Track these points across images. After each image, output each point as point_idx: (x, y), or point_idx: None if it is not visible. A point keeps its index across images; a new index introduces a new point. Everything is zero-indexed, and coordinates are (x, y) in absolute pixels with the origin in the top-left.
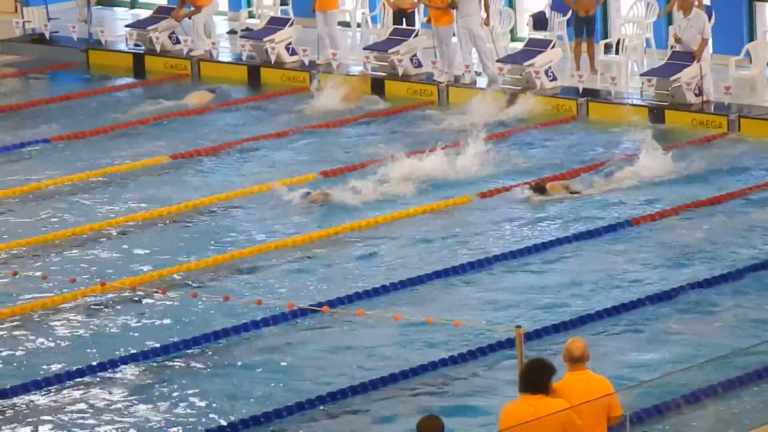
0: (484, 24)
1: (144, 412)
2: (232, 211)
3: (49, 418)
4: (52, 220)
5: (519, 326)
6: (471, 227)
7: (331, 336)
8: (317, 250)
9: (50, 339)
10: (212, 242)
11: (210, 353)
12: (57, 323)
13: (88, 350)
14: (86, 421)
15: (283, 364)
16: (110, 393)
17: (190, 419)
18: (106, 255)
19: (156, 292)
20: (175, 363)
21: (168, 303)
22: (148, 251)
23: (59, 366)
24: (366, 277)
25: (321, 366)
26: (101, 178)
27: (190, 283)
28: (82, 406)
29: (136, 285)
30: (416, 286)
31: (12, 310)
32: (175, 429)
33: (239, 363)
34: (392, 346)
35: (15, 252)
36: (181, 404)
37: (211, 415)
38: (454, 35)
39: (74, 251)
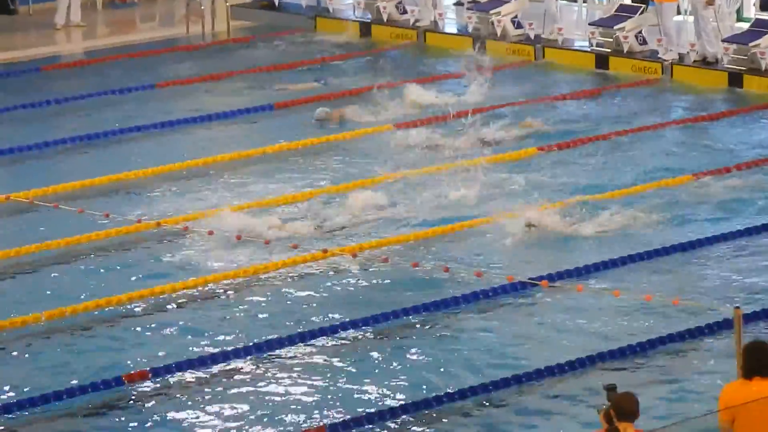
0: (708, 4)
1: (351, 381)
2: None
3: (259, 383)
4: (274, 185)
5: (738, 307)
6: (689, 206)
7: (549, 311)
8: (535, 223)
9: (270, 303)
10: (433, 211)
11: (426, 323)
12: (279, 288)
13: (306, 316)
14: (291, 388)
15: (499, 337)
16: (326, 359)
17: (399, 389)
18: (329, 222)
19: (378, 260)
20: (390, 332)
21: (389, 272)
22: (372, 216)
23: (274, 331)
24: (586, 251)
25: (537, 340)
26: (324, 145)
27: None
28: (289, 372)
29: (357, 253)
30: (636, 263)
31: (235, 272)
32: (383, 399)
33: (453, 334)
34: (610, 322)
35: (237, 216)
36: (392, 375)
37: (421, 386)
38: (679, 13)
39: (296, 216)
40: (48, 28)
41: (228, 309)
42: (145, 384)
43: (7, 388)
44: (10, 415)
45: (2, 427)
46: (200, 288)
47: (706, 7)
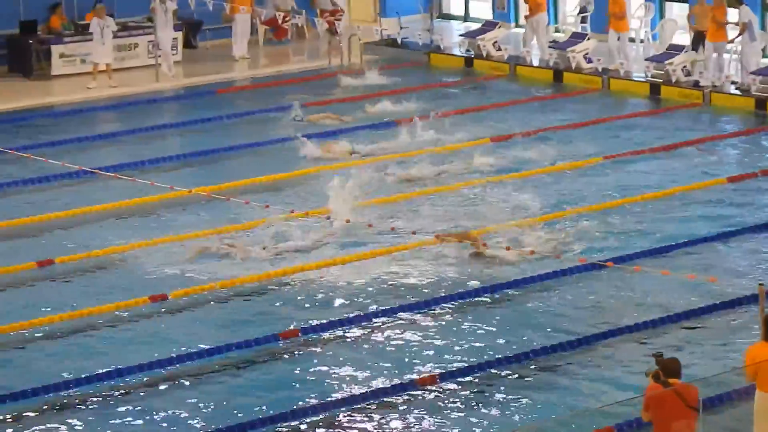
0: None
1: (444, 343)
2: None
3: (382, 339)
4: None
5: (761, 284)
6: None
7: (610, 287)
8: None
9: (387, 277)
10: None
11: (509, 297)
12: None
13: (414, 288)
14: (407, 344)
15: (567, 307)
16: (436, 324)
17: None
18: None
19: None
20: (480, 303)
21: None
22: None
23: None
24: (650, 234)
25: (597, 310)
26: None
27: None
28: (405, 332)
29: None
30: (693, 246)
31: (368, 253)
32: (473, 356)
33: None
34: (658, 296)
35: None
36: (484, 337)
37: (507, 346)
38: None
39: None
40: (221, 59)
41: (370, 278)
42: (295, 340)
43: (197, 342)
44: (195, 362)
45: (194, 375)
46: (330, 266)
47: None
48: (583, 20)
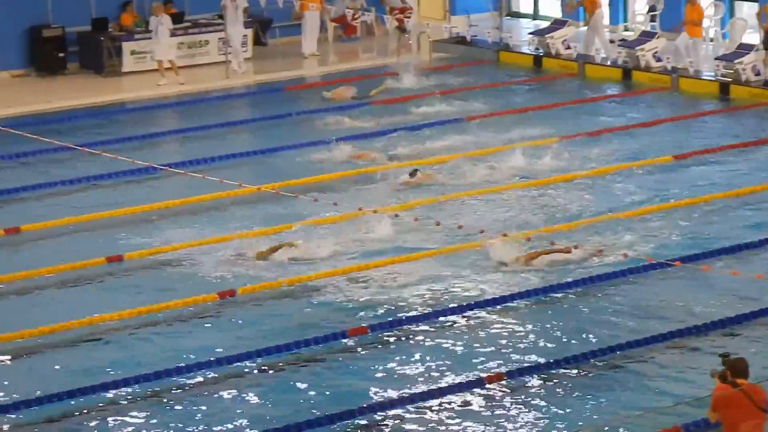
0: None
1: (516, 339)
2: None
3: (447, 339)
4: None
5: None
6: None
7: (677, 286)
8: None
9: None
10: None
11: (578, 294)
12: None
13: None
14: (470, 344)
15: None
16: (500, 323)
17: (555, 347)
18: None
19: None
20: (548, 301)
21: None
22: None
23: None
24: (719, 234)
25: (658, 310)
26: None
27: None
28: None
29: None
30: (763, 246)
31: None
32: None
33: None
34: (726, 296)
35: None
36: (548, 336)
37: (575, 342)
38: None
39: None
40: (290, 56)
41: (437, 276)
42: (363, 337)
43: (262, 337)
44: (263, 358)
45: (262, 372)
46: (397, 264)
47: None
48: (653, 19)
